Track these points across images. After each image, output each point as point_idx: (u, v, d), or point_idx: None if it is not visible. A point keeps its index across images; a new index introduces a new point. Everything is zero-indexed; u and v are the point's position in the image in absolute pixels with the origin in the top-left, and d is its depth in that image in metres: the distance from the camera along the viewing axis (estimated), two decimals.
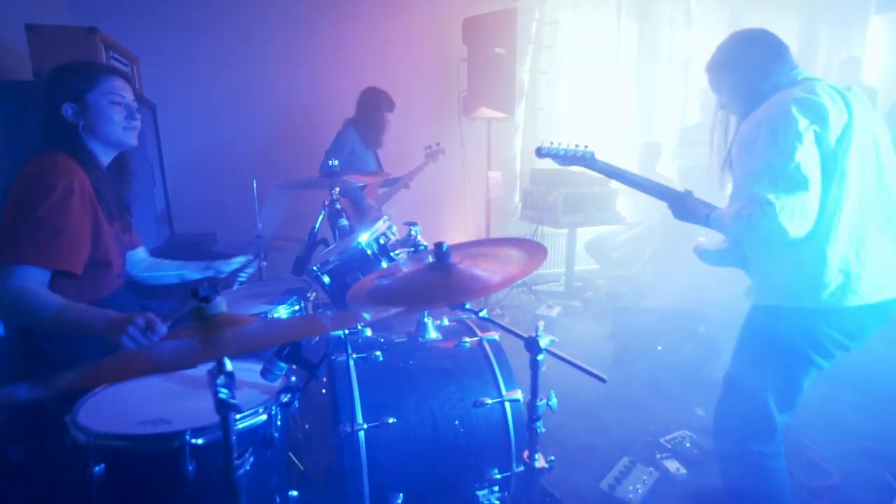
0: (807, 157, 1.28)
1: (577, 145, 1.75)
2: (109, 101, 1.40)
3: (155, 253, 2.48)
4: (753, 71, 1.44)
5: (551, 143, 1.75)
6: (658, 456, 2.03)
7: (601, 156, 1.76)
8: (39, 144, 1.39)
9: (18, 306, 1.19)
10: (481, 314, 1.32)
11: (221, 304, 0.72)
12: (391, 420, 1.33)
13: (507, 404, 1.42)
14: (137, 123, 1.47)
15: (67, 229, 1.26)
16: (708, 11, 4.74)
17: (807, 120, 1.28)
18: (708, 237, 3.77)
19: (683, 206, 1.57)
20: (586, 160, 1.73)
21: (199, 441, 0.91)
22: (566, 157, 1.74)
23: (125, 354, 0.69)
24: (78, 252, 1.30)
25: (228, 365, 0.69)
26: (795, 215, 1.28)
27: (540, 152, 1.75)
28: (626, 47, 4.58)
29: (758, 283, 1.51)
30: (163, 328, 1.14)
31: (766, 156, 1.32)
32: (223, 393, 0.69)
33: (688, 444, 2.10)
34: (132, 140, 1.48)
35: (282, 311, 1.70)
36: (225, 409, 0.70)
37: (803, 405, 2.03)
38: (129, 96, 1.45)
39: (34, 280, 1.22)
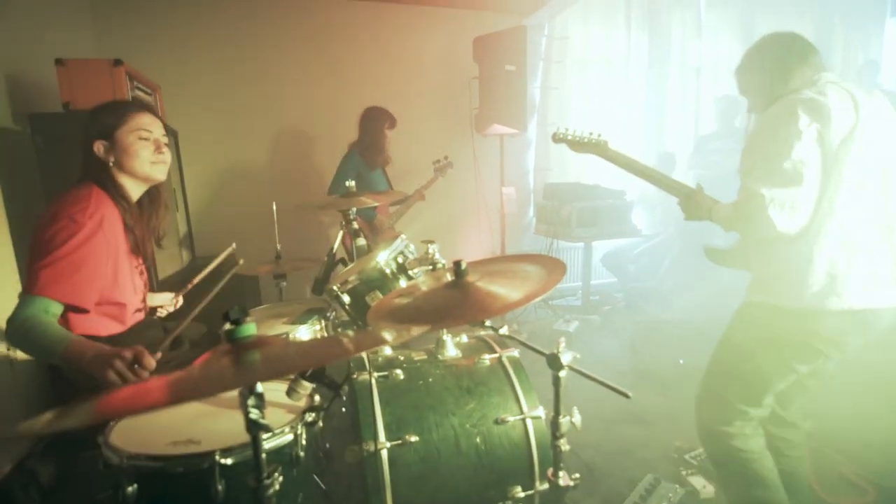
0: (804, 154, 1.29)
1: (590, 132, 1.84)
2: (137, 137, 1.45)
3: (178, 276, 2.55)
4: (776, 74, 1.45)
5: (566, 129, 1.86)
6: (683, 473, 1.99)
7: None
8: (78, 177, 1.45)
9: (26, 334, 1.20)
10: (501, 331, 1.33)
11: (251, 326, 0.74)
12: (413, 438, 1.33)
13: (528, 421, 1.41)
14: (166, 158, 1.51)
15: (87, 267, 1.29)
16: (719, 19, 4.75)
17: (809, 118, 1.29)
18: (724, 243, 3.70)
19: (692, 201, 1.58)
20: (599, 147, 1.81)
21: (228, 461, 0.93)
22: (580, 143, 1.83)
23: (155, 383, 0.70)
24: (93, 290, 1.33)
25: (259, 386, 0.71)
26: (785, 210, 1.30)
27: (555, 137, 1.86)
28: (637, 58, 4.61)
29: (751, 279, 1.53)
30: (151, 362, 1.15)
31: (764, 151, 1.35)
32: (254, 413, 0.71)
33: None
34: (161, 175, 1.52)
35: (303, 331, 1.72)
36: (256, 428, 0.71)
37: (832, 417, 1.98)
38: (157, 131, 1.50)
39: (45, 311, 1.24)
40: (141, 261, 1.56)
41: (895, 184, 1.36)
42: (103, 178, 1.44)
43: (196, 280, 1.71)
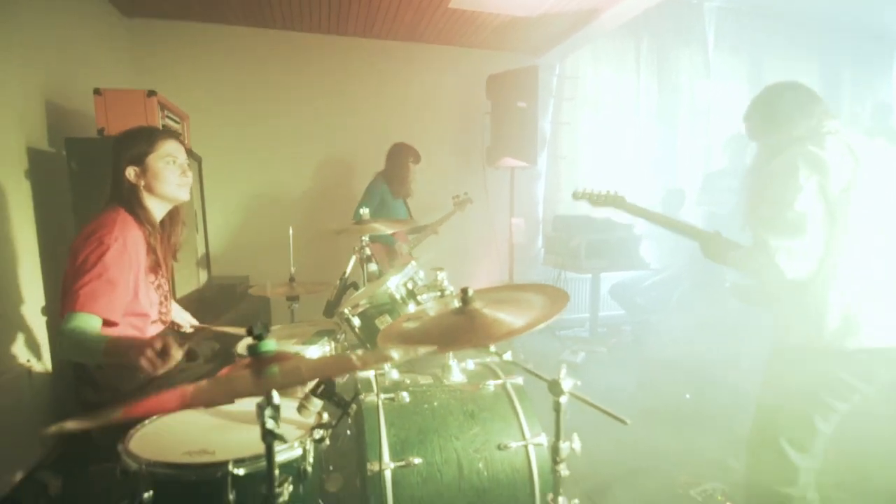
0: (806, 206, 1.37)
1: (608, 190, 2.00)
2: (165, 162, 1.57)
3: (194, 294, 2.64)
4: (782, 123, 1.54)
5: (584, 189, 2.04)
6: None
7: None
8: (107, 200, 1.57)
9: (75, 343, 1.31)
10: (505, 356, 1.37)
11: (272, 342, 0.80)
12: (417, 460, 1.36)
13: (531, 447, 1.43)
14: (189, 180, 1.65)
15: (117, 284, 1.41)
16: (727, 60, 4.87)
17: (808, 172, 1.38)
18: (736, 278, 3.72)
19: (711, 245, 1.65)
20: (617, 201, 1.96)
21: (241, 471, 0.98)
22: (599, 199, 2.00)
23: (179, 388, 0.76)
24: (121, 304, 1.45)
25: (276, 398, 0.77)
26: (792, 258, 1.38)
27: (575, 195, 2.04)
28: (647, 98, 4.73)
29: (774, 325, 1.58)
30: (178, 353, 1.22)
31: (770, 202, 1.44)
32: (270, 423, 0.76)
33: (719, 497, 2.03)
34: (185, 195, 1.65)
35: (313, 351, 1.77)
36: (271, 438, 0.76)
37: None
38: (182, 157, 1.63)
39: (87, 324, 1.35)
40: (159, 276, 1.65)
41: None
42: (131, 201, 1.55)
43: (225, 329, 1.81)
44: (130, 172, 1.54)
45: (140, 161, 1.55)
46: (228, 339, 1.87)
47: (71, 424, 0.70)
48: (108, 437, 1.24)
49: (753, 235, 1.48)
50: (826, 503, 1.79)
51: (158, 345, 1.22)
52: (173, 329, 1.80)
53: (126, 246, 1.45)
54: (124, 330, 1.48)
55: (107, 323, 1.40)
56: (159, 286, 1.64)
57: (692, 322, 3.83)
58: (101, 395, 1.50)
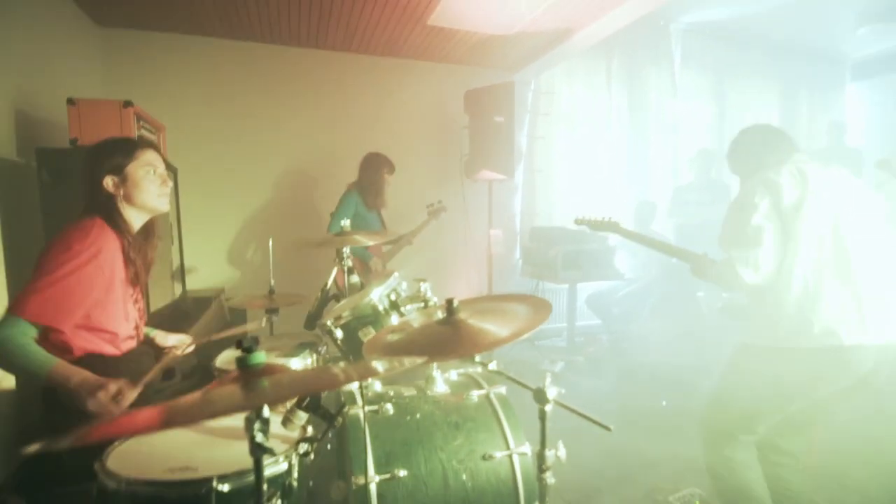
0: (761, 221, 1.59)
1: (604, 216, 2.30)
2: (146, 171, 1.54)
3: (168, 309, 2.57)
4: (755, 159, 1.78)
5: (584, 216, 2.35)
6: None
7: (606, 219, 2.28)
8: (82, 210, 1.51)
9: (5, 355, 1.24)
10: (490, 366, 1.39)
11: (261, 355, 0.80)
12: (402, 473, 1.35)
13: (515, 457, 1.44)
14: (168, 190, 1.61)
15: (74, 294, 1.34)
16: (692, 81, 5.10)
17: (763, 193, 1.61)
18: (708, 292, 3.87)
19: (698, 265, 1.84)
20: (612, 226, 2.24)
21: (225, 487, 0.96)
22: (597, 224, 2.28)
23: (169, 405, 0.75)
24: (75, 314, 1.37)
25: (266, 411, 0.76)
26: (749, 266, 1.59)
27: (577, 221, 2.36)
28: (618, 114, 4.89)
29: (743, 325, 1.75)
30: (131, 397, 1.20)
31: (732, 220, 1.68)
32: (259, 437, 0.76)
33: (697, 502, 2.08)
34: (165, 206, 1.61)
35: (295, 364, 1.75)
36: (260, 451, 0.76)
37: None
38: (161, 167, 1.59)
39: (23, 333, 1.27)
40: (137, 290, 1.60)
41: (848, 240, 1.58)
42: (110, 210, 1.50)
43: (220, 335, 1.74)
44: (109, 182, 1.50)
45: (119, 171, 1.51)
46: (207, 354, 1.83)
47: (38, 447, 0.67)
48: (79, 456, 1.20)
49: (721, 249, 1.70)
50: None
51: (113, 389, 1.20)
52: (148, 346, 1.74)
53: (100, 255, 1.40)
54: (97, 341, 1.43)
55: (53, 332, 1.34)
56: (136, 300, 1.60)
57: (666, 331, 3.94)
58: (70, 419, 1.43)
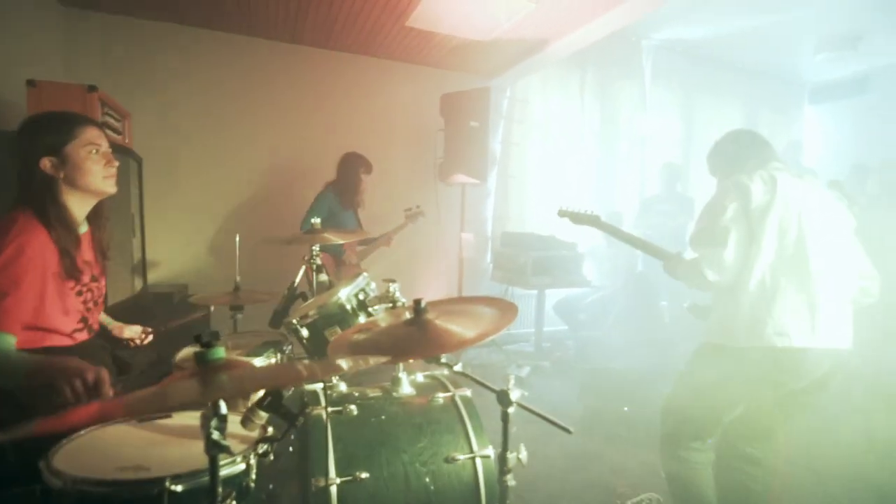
0: (728, 223, 1.63)
1: (586, 210, 2.32)
2: (88, 151, 1.40)
3: (127, 303, 2.47)
4: (734, 162, 1.83)
5: (567, 207, 2.34)
6: None
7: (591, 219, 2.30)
8: (15, 198, 1.38)
9: None
10: (455, 367, 1.39)
11: (220, 350, 0.78)
12: (363, 475, 1.34)
13: (478, 460, 1.45)
14: (114, 171, 1.48)
15: (10, 294, 1.26)
16: (662, 95, 5.27)
17: (733, 195, 1.65)
18: (671, 301, 3.95)
19: (671, 263, 1.88)
20: (592, 220, 2.25)
21: (178, 488, 0.92)
22: (578, 217, 2.29)
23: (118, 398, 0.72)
24: (19, 315, 1.29)
25: (223, 408, 0.74)
26: (713, 265, 1.63)
27: (560, 213, 2.35)
28: (590, 124, 5.01)
29: (705, 325, 1.79)
30: (108, 392, 1.15)
31: (702, 221, 1.73)
32: (216, 434, 0.74)
33: None
34: (113, 188, 1.48)
35: (258, 363, 1.71)
36: (216, 449, 0.74)
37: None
38: (105, 145, 1.46)
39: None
40: (82, 283, 1.49)
41: (809, 247, 1.62)
42: (44, 197, 1.37)
43: (174, 324, 1.69)
44: (46, 163, 1.36)
45: (58, 150, 1.36)
46: (167, 348, 1.77)
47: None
48: (26, 455, 1.14)
49: (692, 251, 1.74)
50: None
51: (90, 377, 1.14)
52: (105, 337, 1.67)
53: (24, 252, 1.29)
54: (31, 341, 1.33)
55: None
56: (82, 292, 1.49)
57: (630, 337, 4.03)
58: (23, 414, 1.36)
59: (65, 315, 1.44)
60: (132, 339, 1.73)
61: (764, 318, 1.58)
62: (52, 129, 1.39)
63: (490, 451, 1.46)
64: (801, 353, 1.57)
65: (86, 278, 1.50)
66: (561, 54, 3.86)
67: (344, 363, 0.91)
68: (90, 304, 1.53)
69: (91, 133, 1.43)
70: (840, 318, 1.62)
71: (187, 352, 1.75)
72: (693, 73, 5.28)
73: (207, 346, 0.75)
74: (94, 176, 1.42)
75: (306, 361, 1.42)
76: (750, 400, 1.67)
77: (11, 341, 1.25)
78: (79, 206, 1.47)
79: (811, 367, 1.59)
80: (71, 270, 1.42)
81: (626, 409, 2.85)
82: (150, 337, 1.75)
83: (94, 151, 1.42)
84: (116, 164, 1.49)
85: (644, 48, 5.00)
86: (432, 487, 1.40)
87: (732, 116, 5.67)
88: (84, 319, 1.51)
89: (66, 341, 1.44)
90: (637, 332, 3.99)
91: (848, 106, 5.68)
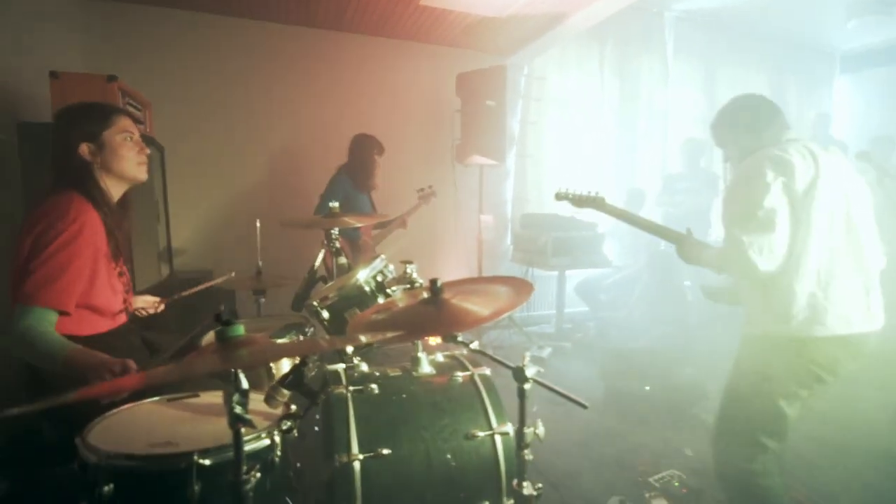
0: (774, 203, 1.47)
1: (589, 191, 2.06)
2: (123, 138, 1.48)
3: (155, 288, 2.54)
4: (748, 131, 1.67)
5: (566, 189, 2.07)
6: (647, 495, 2.05)
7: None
8: (53, 183, 1.45)
9: (29, 345, 1.24)
10: (472, 345, 1.40)
11: (240, 327, 0.80)
12: (386, 451, 1.36)
13: (497, 437, 1.46)
14: (146, 158, 1.56)
15: (69, 273, 1.32)
16: (684, 69, 5.09)
17: (775, 173, 1.49)
18: (694, 280, 3.87)
19: (686, 246, 1.75)
20: (597, 202, 2.04)
21: (206, 461, 0.96)
22: (580, 200, 2.07)
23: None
24: (73, 294, 1.35)
25: (244, 383, 0.76)
26: (763, 252, 1.46)
27: (557, 196, 2.10)
28: (609, 101, 4.88)
29: (745, 314, 1.67)
30: (134, 381, 1.17)
31: (741, 202, 1.54)
32: (238, 409, 0.76)
33: (676, 484, 2.12)
34: (144, 175, 1.56)
35: None
36: (239, 423, 0.76)
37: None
38: (136, 133, 1.54)
39: (42, 320, 1.27)
40: (121, 262, 1.56)
41: (859, 224, 1.54)
42: (85, 181, 1.44)
43: (186, 293, 1.74)
44: (85, 149, 1.43)
45: (95, 137, 1.44)
46: (195, 336, 1.81)
47: (21, 409, 0.68)
48: (61, 434, 1.19)
49: (726, 234, 1.57)
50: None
51: (118, 368, 1.18)
52: (137, 315, 1.73)
53: (83, 231, 1.36)
54: (77, 322, 1.39)
55: (61, 315, 1.32)
56: (122, 273, 1.56)
57: (652, 318, 3.99)
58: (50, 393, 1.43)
59: (113, 294, 1.50)
60: (144, 309, 1.79)
61: (824, 306, 1.47)
62: (90, 117, 1.47)
63: (509, 429, 1.47)
64: (863, 338, 1.50)
65: (123, 261, 1.57)
66: (579, 28, 3.76)
67: (361, 337, 0.92)
68: (128, 287, 1.60)
69: (125, 121, 1.51)
70: (879, 297, 1.55)
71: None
72: (716, 45, 5.08)
73: (227, 323, 0.77)
74: (129, 162, 1.50)
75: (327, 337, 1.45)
76: (810, 390, 1.55)
77: (53, 319, 1.29)
78: (112, 191, 1.52)
79: (867, 351, 1.53)
80: (116, 251, 1.50)
81: (647, 388, 2.83)
82: (162, 307, 1.81)
83: (128, 138, 1.50)
84: (148, 151, 1.57)
85: (666, 19, 4.83)
86: (453, 463, 1.42)
87: (759, 89, 5.44)
88: (124, 301, 1.58)
89: (110, 324, 1.50)
90: (659, 312, 3.95)
91: (880, 75, 5.41)
